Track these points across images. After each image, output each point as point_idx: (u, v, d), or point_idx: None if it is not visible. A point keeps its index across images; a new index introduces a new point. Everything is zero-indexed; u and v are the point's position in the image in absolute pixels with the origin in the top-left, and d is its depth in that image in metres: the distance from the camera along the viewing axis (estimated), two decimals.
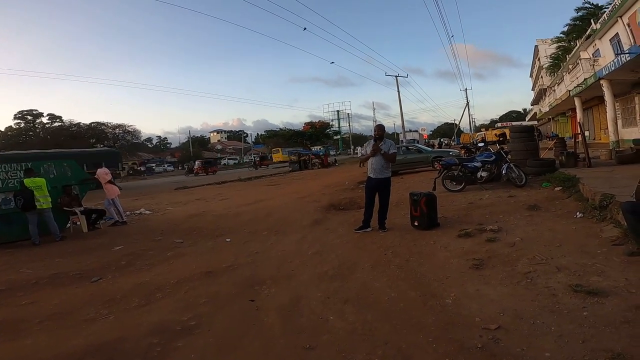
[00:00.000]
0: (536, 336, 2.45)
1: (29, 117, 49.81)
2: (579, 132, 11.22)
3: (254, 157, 50.93)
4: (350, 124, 67.82)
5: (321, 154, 34.47)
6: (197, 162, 43.46)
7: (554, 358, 2.20)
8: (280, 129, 59.81)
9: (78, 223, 8.74)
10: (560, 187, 7.28)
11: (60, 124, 48.97)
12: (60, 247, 7.00)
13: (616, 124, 15.53)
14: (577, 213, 5.35)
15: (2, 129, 49.76)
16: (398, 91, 36.74)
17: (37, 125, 50.01)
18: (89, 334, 3.19)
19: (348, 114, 65.93)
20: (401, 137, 38.81)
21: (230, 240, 6.45)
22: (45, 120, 50.18)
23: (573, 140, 12.90)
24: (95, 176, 9.51)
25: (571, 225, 4.93)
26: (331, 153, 48.22)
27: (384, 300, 3.36)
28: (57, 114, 52.65)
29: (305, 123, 58.15)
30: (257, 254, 5.42)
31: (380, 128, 6.06)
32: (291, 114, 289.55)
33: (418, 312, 3.04)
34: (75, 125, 47.87)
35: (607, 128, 16.79)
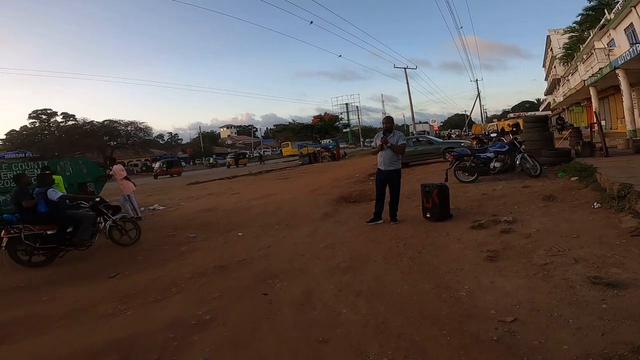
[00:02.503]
0: (554, 329, 2.41)
1: (44, 117, 50.52)
2: (595, 121, 10.95)
3: (231, 155, 45.89)
4: (360, 117, 67.35)
5: (331, 147, 34.36)
6: (157, 163, 37.58)
7: (572, 351, 2.16)
8: (289, 122, 59.66)
9: None
10: (577, 177, 7.12)
11: (74, 122, 49.59)
12: None
13: (633, 113, 15.14)
14: (595, 203, 5.23)
15: (17, 129, 50.71)
16: (407, 83, 36.21)
17: (51, 124, 50.78)
18: (107, 329, 3.25)
19: (357, 106, 65.43)
20: (411, 129, 38.46)
21: (242, 235, 6.50)
22: (59, 119, 50.88)
23: (589, 129, 12.62)
24: (111, 172, 9.65)
25: (588, 215, 4.83)
26: (342, 145, 47.91)
27: (397, 293, 3.34)
28: (70, 112, 53.57)
29: (314, 116, 57.83)
30: (269, 247, 5.45)
31: (388, 120, 5.99)
32: (299, 107, 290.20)
33: (432, 304, 3.02)
34: (88, 123, 48.38)
35: (623, 117, 16.38)
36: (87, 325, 3.40)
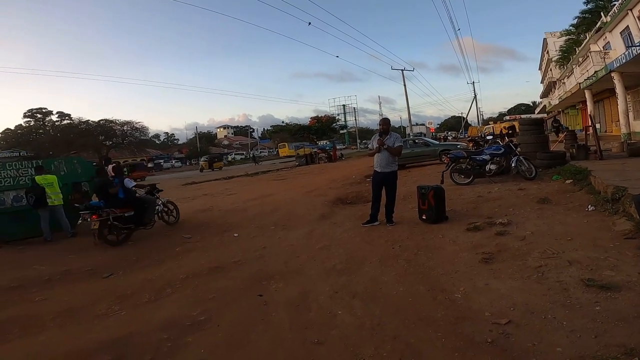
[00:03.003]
0: (548, 331, 2.43)
1: (39, 116, 50.23)
2: (590, 124, 11.04)
3: (204, 158, 43.80)
4: (357, 118, 67.45)
5: (328, 148, 34.38)
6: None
7: (566, 353, 2.17)
8: (286, 123, 59.72)
9: (89, 219, 8.82)
10: (571, 180, 7.17)
11: (69, 121, 49.32)
12: (71, 244, 7.09)
13: (628, 116, 15.27)
14: (589, 206, 5.27)
15: (13, 128, 50.37)
16: (404, 85, 36.31)
17: (46, 123, 50.46)
18: (101, 329, 3.23)
19: (354, 108, 65.56)
20: (408, 131, 38.56)
21: (238, 235, 6.48)
22: (54, 118, 50.59)
23: (584, 132, 12.71)
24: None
25: (583, 218, 4.86)
26: (341, 147, 47.75)
27: (393, 295, 3.35)
28: (66, 111, 53.19)
29: (311, 117, 58.00)
30: (265, 248, 5.44)
31: (385, 122, 6.00)
32: (296, 108, 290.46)
33: (427, 306, 3.03)
34: (84, 122, 48.13)
35: (618, 120, 16.52)
36: (80, 326, 3.38)
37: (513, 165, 8.60)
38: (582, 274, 3.17)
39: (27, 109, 50.21)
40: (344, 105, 63.26)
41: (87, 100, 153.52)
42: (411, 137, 25.62)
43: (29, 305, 4.01)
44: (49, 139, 46.91)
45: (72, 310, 3.75)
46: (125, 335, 3.06)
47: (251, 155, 53.91)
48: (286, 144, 54.75)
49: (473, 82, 48.25)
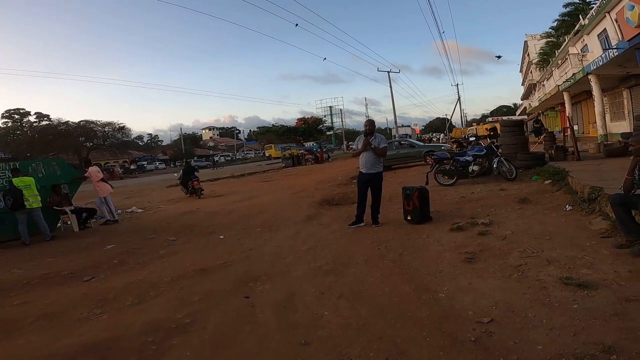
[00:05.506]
0: (528, 329, 2.49)
1: (16, 116, 48.80)
2: (568, 126, 11.36)
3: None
4: (343, 120, 67.72)
5: (314, 149, 34.36)
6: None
7: (546, 351, 2.23)
8: (273, 125, 59.55)
9: (69, 222, 8.64)
10: (550, 180, 7.37)
11: (48, 122, 48.00)
12: (51, 247, 6.92)
13: (604, 118, 15.73)
14: (567, 206, 5.42)
15: None
16: (390, 86, 36.57)
17: (24, 125, 49.04)
18: (82, 333, 3.17)
19: (340, 109, 65.85)
20: (394, 132, 38.90)
21: (224, 237, 6.43)
22: (32, 119, 49.21)
23: (562, 134, 13.06)
24: (87, 175, 9.39)
25: (561, 218, 5.00)
26: (328, 147, 47.60)
27: (378, 295, 3.38)
28: (45, 112, 51.80)
29: (297, 119, 57.84)
30: (251, 250, 5.42)
31: (370, 123, 6.05)
32: (282, 110, 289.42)
33: (412, 306, 3.07)
34: (63, 123, 46.89)
35: (595, 122, 16.99)
36: (60, 329, 3.31)
37: (495, 166, 8.78)
38: (560, 272, 3.26)
39: (5, 109, 48.77)
40: (330, 107, 63.43)
41: (67, 101, 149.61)
42: (397, 138, 25.85)
43: (7, 309, 3.91)
44: (26, 140, 45.64)
45: (52, 314, 3.66)
46: (108, 338, 3.00)
47: (212, 161, 53.35)
48: (272, 145, 54.53)
49: (457, 85, 48.94)
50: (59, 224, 8.69)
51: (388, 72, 35.64)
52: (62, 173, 8.70)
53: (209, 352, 2.71)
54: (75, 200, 9.28)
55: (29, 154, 40.55)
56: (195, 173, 14.17)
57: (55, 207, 8.31)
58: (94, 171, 9.54)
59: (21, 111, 48.94)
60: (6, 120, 48.60)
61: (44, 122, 48.38)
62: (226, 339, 2.87)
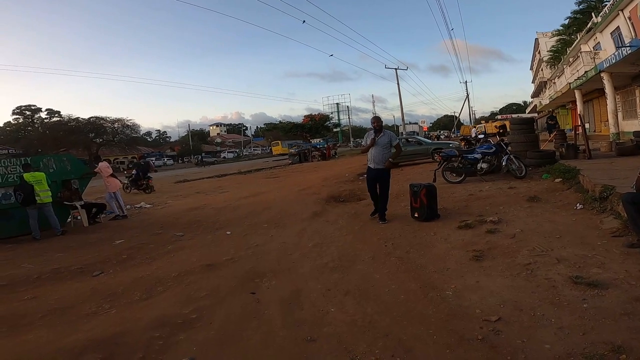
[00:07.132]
0: (536, 328, 2.46)
1: (27, 113, 49.53)
2: (580, 124, 11.17)
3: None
4: (350, 117, 67.57)
5: (321, 146, 34.32)
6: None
7: (554, 350, 2.20)
8: (280, 121, 59.55)
9: (79, 217, 8.75)
10: (561, 179, 7.26)
11: (58, 119, 48.62)
12: (61, 242, 7.01)
13: (616, 116, 15.48)
14: (577, 204, 5.34)
15: (1, 125, 49.61)
16: (398, 84, 36.63)
17: (35, 121, 49.73)
18: (91, 328, 3.20)
19: (347, 106, 65.65)
20: (401, 129, 38.70)
21: (231, 233, 6.46)
22: (43, 115, 49.88)
23: (573, 132, 12.87)
24: (97, 170, 9.50)
25: (571, 216, 4.93)
26: (337, 144, 47.47)
27: (385, 292, 3.36)
28: (55, 109, 52.43)
29: (304, 116, 57.89)
30: (258, 246, 5.43)
31: (377, 120, 6.04)
32: (289, 107, 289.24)
33: (418, 304, 3.05)
34: (74, 120, 47.42)
35: (607, 120, 16.72)
36: (70, 324, 3.34)
37: (504, 164, 8.68)
38: (570, 271, 3.22)
39: (16, 106, 49.49)
40: (337, 104, 63.30)
41: (77, 98, 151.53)
42: (404, 135, 25.71)
43: (17, 304, 3.96)
44: (37, 136, 46.25)
45: (62, 309, 3.70)
46: (116, 333, 3.03)
47: (197, 158, 52.80)
48: (279, 142, 54.57)
49: (465, 82, 48.42)
50: (69, 219, 8.79)
51: (396, 69, 35.64)
52: (72, 168, 8.79)
53: (215, 347, 2.73)
54: (85, 195, 9.38)
55: (39, 150, 41.10)
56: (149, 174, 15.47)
57: (65, 202, 8.41)
58: (103, 167, 9.66)
59: (32, 107, 49.65)
60: (17, 116, 49.33)
61: (54, 119, 49.05)
62: (232, 335, 2.88)
